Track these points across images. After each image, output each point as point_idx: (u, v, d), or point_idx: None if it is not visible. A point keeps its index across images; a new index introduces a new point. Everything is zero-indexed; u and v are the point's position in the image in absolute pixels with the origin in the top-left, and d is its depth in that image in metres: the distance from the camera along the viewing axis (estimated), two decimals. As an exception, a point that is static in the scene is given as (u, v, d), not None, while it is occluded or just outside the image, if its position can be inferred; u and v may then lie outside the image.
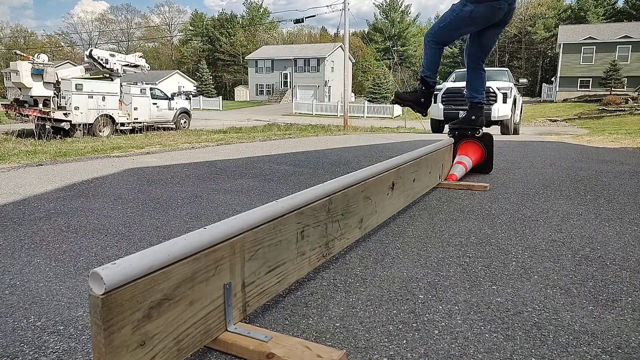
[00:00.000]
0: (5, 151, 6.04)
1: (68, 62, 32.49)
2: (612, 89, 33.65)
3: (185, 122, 17.97)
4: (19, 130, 13.58)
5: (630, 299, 1.51)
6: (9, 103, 14.89)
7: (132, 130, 14.81)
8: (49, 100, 13.68)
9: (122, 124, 14.85)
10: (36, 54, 14.20)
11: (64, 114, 13.33)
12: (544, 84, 43.27)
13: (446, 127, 11.02)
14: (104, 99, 14.23)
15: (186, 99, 18.43)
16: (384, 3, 64.11)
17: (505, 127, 10.14)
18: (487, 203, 2.79)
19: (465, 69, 3.47)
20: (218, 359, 1.17)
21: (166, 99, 17.07)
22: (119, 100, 14.96)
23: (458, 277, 1.69)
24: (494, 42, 3.26)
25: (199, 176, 3.79)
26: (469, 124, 3.47)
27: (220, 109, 39.63)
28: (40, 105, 13.79)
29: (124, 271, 0.88)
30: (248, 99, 49.75)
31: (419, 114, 3.42)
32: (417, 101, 3.28)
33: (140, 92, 15.90)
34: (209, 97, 44.43)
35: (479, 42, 3.22)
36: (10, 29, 67.65)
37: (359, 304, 1.48)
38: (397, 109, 31.79)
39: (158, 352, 0.97)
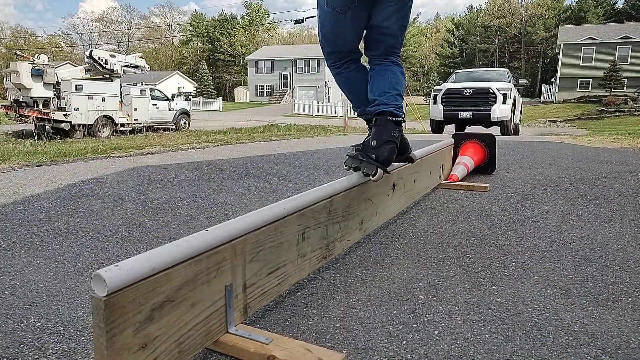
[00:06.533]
0: (5, 152, 6.04)
1: (68, 62, 32.45)
2: (612, 90, 33.65)
3: (185, 122, 17.97)
4: (18, 131, 13.60)
5: (630, 299, 1.51)
6: (8, 104, 14.90)
7: (132, 131, 14.81)
8: (49, 101, 13.67)
9: (122, 125, 14.85)
10: (36, 55, 14.20)
11: (64, 114, 13.32)
12: (543, 85, 43.24)
13: (446, 128, 11.07)
14: (103, 99, 14.23)
15: (186, 99, 18.43)
16: (383, 3, 64.02)
17: (505, 127, 10.15)
18: (487, 204, 2.79)
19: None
20: (219, 360, 1.17)
21: (166, 99, 17.07)
22: (119, 101, 14.95)
23: (458, 278, 1.69)
24: (394, 25, 1.90)
25: (199, 177, 3.79)
26: (366, 155, 1.83)
27: (220, 109, 39.63)
28: (40, 106, 13.79)
29: (127, 273, 0.88)
30: (248, 100, 49.73)
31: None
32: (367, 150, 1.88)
33: (140, 93, 15.89)
34: (209, 97, 44.41)
35: (369, 31, 1.95)
36: (11, 30, 67.64)
37: (359, 305, 1.48)
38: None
39: (159, 355, 0.97)
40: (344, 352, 1.16)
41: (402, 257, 1.92)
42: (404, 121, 1.94)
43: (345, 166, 1.99)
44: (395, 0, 1.84)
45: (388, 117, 1.86)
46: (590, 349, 1.22)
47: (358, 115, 2.13)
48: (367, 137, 1.92)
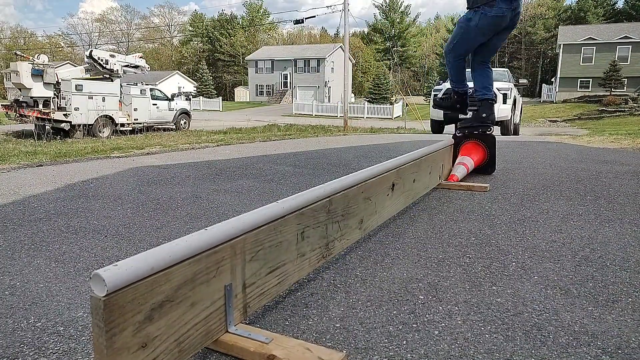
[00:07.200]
0: (5, 152, 6.04)
1: (68, 62, 32.43)
2: (612, 90, 33.63)
3: (185, 122, 17.98)
4: (18, 131, 13.60)
5: (630, 299, 1.51)
6: (9, 104, 14.91)
7: (132, 131, 14.82)
8: (49, 101, 13.68)
9: (122, 125, 14.86)
10: (36, 55, 14.21)
11: (64, 114, 13.33)
12: (543, 85, 43.22)
13: (446, 128, 11.06)
14: (103, 99, 14.24)
15: (186, 99, 18.43)
16: (383, 4, 64.20)
17: (505, 127, 10.14)
18: (487, 204, 2.79)
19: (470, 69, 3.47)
20: (218, 360, 1.17)
21: (166, 99, 17.08)
22: (119, 101, 14.96)
23: (458, 278, 1.69)
24: (500, 44, 3.45)
25: (199, 177, 3.79)
26: (480, 121, 3.50)
27: (220, 109, 39.62)
28: (40, 106, 13.80)
29: (126, 273, 0.88)
30: (248, 100, 49.71)
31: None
32: (454, 107, 3.71)
33: (140, 92, 15.90)
34: (209, 97, 44.39)
35: (486, 46, 3.33)
36: (10, 30, 67.67)
37: (359, 305, 1.48)
38: (397, 110, 31.78)
39: (159, 354, 0.97)
40: (344, 351, 1.15)
41: (402, 257, 1.92)
42: (495, 102, 3.57)
43: (459, 132, 3.58)
44: (506, 34, 3.30)
45: (489, 101, 3.46)
46: (590, 349, 1.22)
47: (452, 88, 3.58)
48: (473, 113, 3.59)
